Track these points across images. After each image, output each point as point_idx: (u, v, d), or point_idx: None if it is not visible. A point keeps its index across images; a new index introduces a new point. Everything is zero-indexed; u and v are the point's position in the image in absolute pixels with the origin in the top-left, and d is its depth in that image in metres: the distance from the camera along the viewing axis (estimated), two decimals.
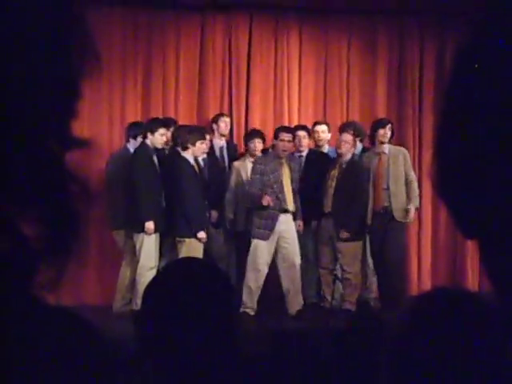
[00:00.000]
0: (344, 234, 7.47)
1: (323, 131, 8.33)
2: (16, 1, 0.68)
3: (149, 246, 7.23)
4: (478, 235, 0.78)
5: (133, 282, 7.40)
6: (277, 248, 7.39)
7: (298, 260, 7.42)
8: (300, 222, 7.65)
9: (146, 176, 7.21)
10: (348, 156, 7.67)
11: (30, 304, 0.70)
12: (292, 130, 7.78)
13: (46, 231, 0.70)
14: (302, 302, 7.48)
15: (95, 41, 0.73)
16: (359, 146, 8.19)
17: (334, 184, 7.60)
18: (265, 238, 7.30)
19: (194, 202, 7.19)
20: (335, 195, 7.56)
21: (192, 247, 7.11)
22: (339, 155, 7.68)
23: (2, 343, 0.67)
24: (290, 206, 7.41)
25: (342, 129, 8.16)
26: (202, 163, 7.70)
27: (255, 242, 7.34)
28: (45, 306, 0.72)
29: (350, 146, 7.66)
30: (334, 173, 7.65)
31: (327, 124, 8.50)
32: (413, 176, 7.89)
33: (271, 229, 7.30)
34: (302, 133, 8.06)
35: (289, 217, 7.43)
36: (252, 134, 8.10)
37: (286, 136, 7.45)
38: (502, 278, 0.76)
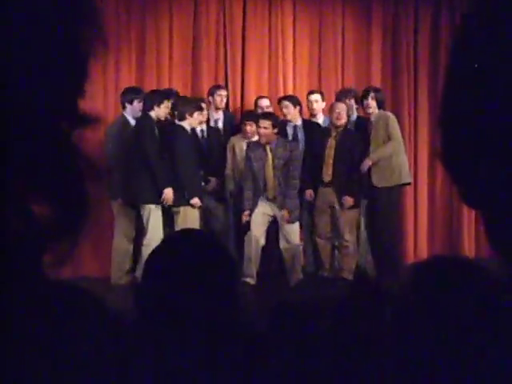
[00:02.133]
0: (349, 201, 7.50)
1: (317, 100, 8.30)
2: None
3: (156, 217, 7.22)
4: (483, 205, 0.78)
5: (128, 252, 7.42)
6: (278, 227, 7.50)
7: (296, 241, 7.51)
8: (310, 191, 7.76)
9: (156, 147, 7.20)
10: (342, 125, 7.67)
11: (37, 279, 0.71)
12: (255, 117, 7.80)
13: (56, 209, 0.71)
14: (302, 277, 7.56)
15: (103, 22, 0.74)
16: (355, 114, 8.17)
17: (332, 153, 7.60)
18: (253, 206, 7.42)
19: (187, 169, 7.19)
20: (335, 165, 7.57)
21: (188, 216, 7.13)
22: (336, 126, 7.66)
23: (11, 319, 0.68)
24: (271, 193, 7.47)
25: (341, 95, 8.16)
26: (199, 134, 7.71)
27: (252, 217, 7.45)
28: (50, 281, 0.73)
29: (345, 115, 7.67)
30: (332, 142, 7.64)
31: (321, 93, 8.47)
32: (394, 137, 7.70)
33: (257, 198, 7.45)
34: (285, 102, 8.08)
35: (272, 204, 7.50)
36: (247, 116, 8.14)
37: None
38: (506, 249, 0.76)
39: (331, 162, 7.59)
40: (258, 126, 7.44)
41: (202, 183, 7.63)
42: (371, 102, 7.76)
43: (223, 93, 8.31)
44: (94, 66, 0.76)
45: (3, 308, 0.68)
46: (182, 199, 7.18)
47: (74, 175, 0.72)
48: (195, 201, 7.20)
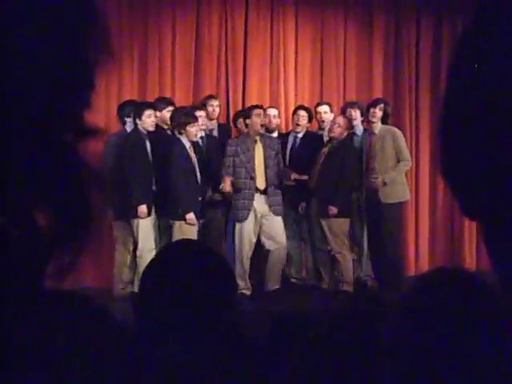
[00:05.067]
0: (332, 210, 7.46)
1: (325, 112, 8.35)
2: None
3: (145, 228, 7.27)
4: (481, 217, 0.78)
5: (129, 265, 7.44)
6: (261, 229, 7.47)
7: (282, 240, 7.48)
8: (303, 205, 7.78)
9: (135, 161, 7.23)
10: (341, 137, 7.67)
11: (39, 289, 0.71)
12: (247, 112, 7.87)
13: (59, 220, 0.71)
14: (279, 283, 7.55)
15: (110, 35, 0.74)
16: (361, 126, 8.18)
17: (320, 161, 7.63)
18: (243, 218, 7.38)
19: (182, 183, 7.15)
20: (321, 172, 7.57)
21: (183, 231, 7.10)
22: (330, 138, 7.69)
23: (14, 327, 0.68)
24: (261, 185, 7.45)
25: (346, 106, 8.22)
26: (200, 143, 7.70)
27: (238, 225, 7.45)
28: (52, 290, 0.73)
29: (342, 130, 7.65)
30: (324, 151, 7.68)
31: (329, 104, 8.52)
32: (405, 156, 7.79)
33: (248, 208, 7.38)
34: (302, 112, 8.16)
35: (263, 197, 7.46)
36: (237, 114, 8.26)
37: (259, 111, 7.63)
38: (503, 260, 0.76)
39: (317, 170, 7.59)
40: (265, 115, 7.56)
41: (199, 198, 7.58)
42: (378, 112, 7.79)
43: (215, 103, 8.27)
44: (98, 77, 0.76)
45: (6, 316, 0.68)
46: (177, 213, 7.16)
47: (77, 186, 0.72)
48: (190, 217, 7.14)
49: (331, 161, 7.56)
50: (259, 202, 7.43)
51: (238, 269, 7.37)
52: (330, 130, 7.67)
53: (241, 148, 7.45)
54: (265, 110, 8.04)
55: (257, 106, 7.81)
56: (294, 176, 7.61)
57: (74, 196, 0.72)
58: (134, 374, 0.83)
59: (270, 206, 7.44)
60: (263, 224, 7.45)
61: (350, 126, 7.83)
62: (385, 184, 7.58)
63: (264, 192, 7.46)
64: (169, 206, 7.22)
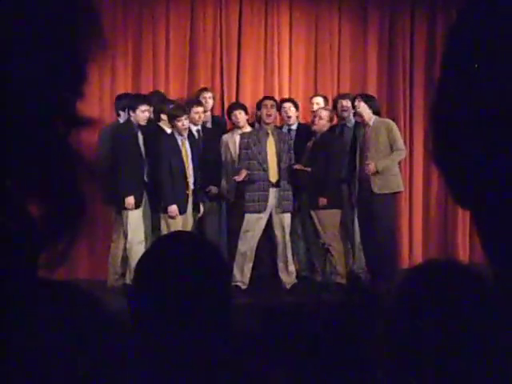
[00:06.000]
0: (322, 201, 7.48)
1: (317, 103, 8.39)
2: None
3: (134, 220, 7.27)
4: (473, 205, 0.78)
5: (123, 257, 7.44)
6: (270, 223, 7.46)
7: (287, 235, 7.51)
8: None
9: (123, 151, 7.25)
10: (323, 129, 7.71)
11: (33, 280, 0.71)
12: (273, 98, 7.94)
13: (52, 210, 0.71)
14: (295, 277, 7.57)
15: (102, 27, 0.74)
16: (352, 118, 8.20)
17: (307, 155, 7.68)
18: (261, 210, 7.36)
19: (166, 177, 7.15)
20: (308, 165, 7.60)
21: (169, 223, 7.11)
22: (312, 131, 7.74)
23: (7, 318, 0.69)
24: (273, 177, 7.44)
25: (337, 98, 8.34)
26: (196, 134, 7.70)
27: (248, 216, 7.40)
28: (45, 281, 0.73)
29: (324, 122, 7.70)
30: (309, 145, 7.72)
31: (324, 97, 8.53)
32: (399, 145, 7.77)
33: (265, 200, 7.36)
34: (287, 104, 8.18)
35: (275, 190, 7.45)
36: (231, 106, 8.25)
37: (268, 102, 7.65)
38: (495, 248, 0.76)
39: (304, 164, 7.63)
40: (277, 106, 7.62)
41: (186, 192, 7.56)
42: (359, 104, 7.80)
43: (207, 95, 8.28)
44: (91, 69, 0.76)
45: (2, 310, 0.68)
46: (161, 206, 7.18)
47: (70, 176, 0.73)
48: (171, 209, 7.12)
49: (317, 153, 7.59)
50: (270, 195, 7.43)
51: (239, 261, 7.37)
52: (313, 123, 7.72)
53: (252, 140, 7.45)
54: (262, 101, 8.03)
55: (266, 98, 7.86)
56: (297, 167, 7.61)
57: (66, 187, 0.73)
58: (129, 368, 0.84)
59: (279, 201, 7.44)
60: (272, 218, 7.45)
61: (333, 118, 7.93)
62: (377, 172, 7.56)
63: (276, 185, 7.46)
64: (156, 199, 7.24)
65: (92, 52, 0.74)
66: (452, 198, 0.79)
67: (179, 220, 7.17)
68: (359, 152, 7.76)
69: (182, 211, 7.20)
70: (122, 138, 7.31)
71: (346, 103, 8.16)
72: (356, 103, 7.74)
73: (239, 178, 7.32)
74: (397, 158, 7.77)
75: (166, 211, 7.13)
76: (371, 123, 7.77)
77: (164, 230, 7.01)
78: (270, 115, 7.53)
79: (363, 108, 7.69)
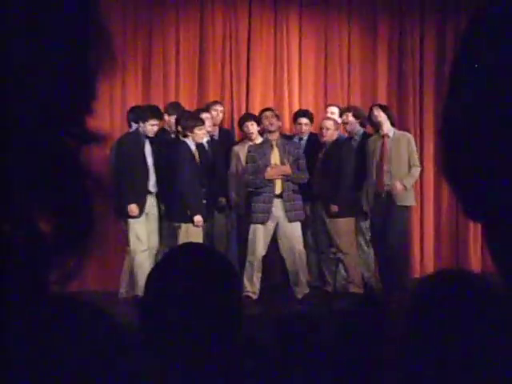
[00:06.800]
0: (334, 208, 7.50)
1: (332, 112, 8.40)
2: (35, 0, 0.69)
3: (137, 229, 7.31)
4: (483, 218, 0.77)
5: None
6: (277, 234, 7.48)
7: (299, 245, 7.48)
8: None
9: (128, 159, 7.30)
10: (332, 138, 7.74)
11: (42, 295, 0.71)
12: (271, 109, 8.02)
13: (62, 225, 0.72)
14: (307, 287, 7.55)
15: (111, 41, 0.74)
16: (360, 129, 8.20)
17: (319, 166, 7.71)
18: (264, 220, 7.39)
19: (190, 187, 7.19)
20: (320, 175, 7.63)
21: (189, 233, 7.13)
22: (322, 143, 7.77)
23: (16, 333, 0.69)
24: (278, 189, 7.48)
25: (342, 112, 8.34)
26: (206, 145, 7.71)
27: (253, 226, 7.45)
28: (54, 296, 0.73)
29: (332, 132, 7.75)
30: (321, 155, 7.72)
31: (338, 107, 8.55)
32: (415, 160, 7.84)
33: (268, 211, 7.39)
34: (304, 120, 8.19)
35: (280, 201, 7.47)
36: (243, 118, 8.25)
37: (269, 113, 7.75)
38: (506, 262, 0.75)
39: (317, 174, 7.65)
40: (271, 117, 7.62)
41: (204, 201, 7.59)
42: (379, 114, 7.82)
43: (219, 108, 8.32)
44: (101, 83, 0.76)
45: (8, 322, 0.68)
46: (183, 216, 7.18)
47: (81, 191, 0.73)
48: (198, 219, 7.18)
49: (328, 162, 7.64)
50: (276, 206, 7.45)
51: (248, 271, 7.39)
52: (322, 135, 7.76)
53: (258, 154, 7.52)
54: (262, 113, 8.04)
55: (265, 110, 7.92)
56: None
57: (76, 201, 0.73)
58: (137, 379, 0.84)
59: (285, 211, 7.44)
60: (279, 228, 7.46)
61: (340, 126, 8.01)
62: (405, 189, 7.65)
63: (280, 196, 7.47)
64: (175, 209, 7.24)
65: (103, 67, 0.74)
66: (463, 212, 0.78)
67: (201, 230, 7.23)
68: (376, 163, 7.74)
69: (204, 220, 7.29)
70: (126, 146, 7.36)
71: (347, 117, 8.19)
72: (375, 113, 7.75)
73: (267, 176, 7.40)
74: (417, 175, 7.87)
75: (189, 220, 7.16)
76: (391, 134, 7.78)
77: (184, 239, 7.02)
78: (272, 124, 7.58)
79: (384, 118, 7.72)
